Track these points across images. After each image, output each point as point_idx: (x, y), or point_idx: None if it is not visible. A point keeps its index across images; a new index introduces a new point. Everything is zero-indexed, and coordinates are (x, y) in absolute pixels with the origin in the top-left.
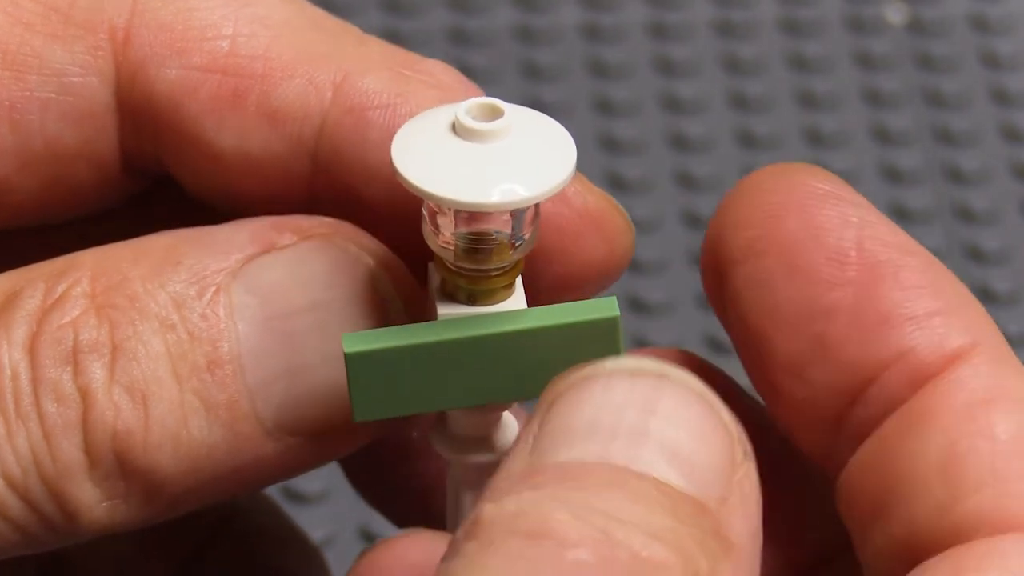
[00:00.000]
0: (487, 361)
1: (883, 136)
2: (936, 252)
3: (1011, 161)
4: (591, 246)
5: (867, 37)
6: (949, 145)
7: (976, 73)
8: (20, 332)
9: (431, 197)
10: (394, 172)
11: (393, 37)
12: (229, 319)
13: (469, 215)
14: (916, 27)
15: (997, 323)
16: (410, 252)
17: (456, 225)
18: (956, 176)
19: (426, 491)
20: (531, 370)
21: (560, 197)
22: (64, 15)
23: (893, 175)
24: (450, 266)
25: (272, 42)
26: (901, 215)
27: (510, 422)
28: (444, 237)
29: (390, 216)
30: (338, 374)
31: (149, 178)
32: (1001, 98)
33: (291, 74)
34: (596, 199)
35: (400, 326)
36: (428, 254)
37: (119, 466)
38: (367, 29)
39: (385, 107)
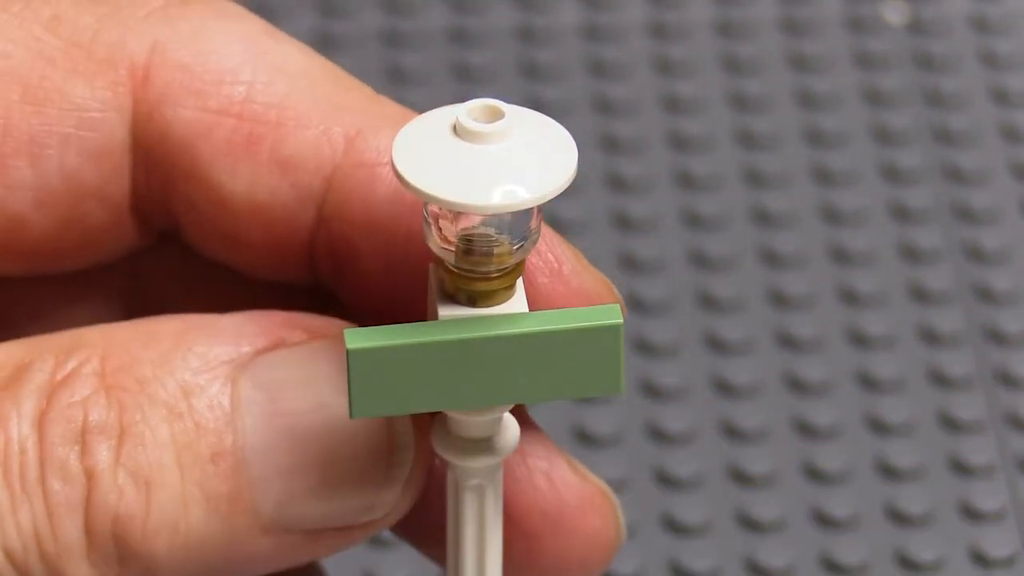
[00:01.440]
0: (487, 363)
1: (883, 136)
2: (936, 252)
3: (1011, 161)
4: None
5: (867, 37)
6: (949, 145)
7: (976, 73)
8: (29, 406)
9: (431, 199)
10: (394, 173)
11: (393, 37)
12: (236, 412)
13: (470, 217)
14: (916, 27)
15: (997, 323)
16: (402, 309)
17: (457, 227)
18: (956, 176)
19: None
20: (531, 373)
21: (555, 272)
22: (86, 50)
23: (893, 175)
24: (451, 268)
25: (289, 91)
26: (901, 215)
27: (510, 424)
28: (445, 239)
29: (385, 271)
30: (339, 475)
31: (154, 229)
32: (1001, 98)
33: (306, 124)
34: (595, 283)
35: (401, 325)
36: (422, 311)
37: (117, 549)
38: (367, 29)
39: None
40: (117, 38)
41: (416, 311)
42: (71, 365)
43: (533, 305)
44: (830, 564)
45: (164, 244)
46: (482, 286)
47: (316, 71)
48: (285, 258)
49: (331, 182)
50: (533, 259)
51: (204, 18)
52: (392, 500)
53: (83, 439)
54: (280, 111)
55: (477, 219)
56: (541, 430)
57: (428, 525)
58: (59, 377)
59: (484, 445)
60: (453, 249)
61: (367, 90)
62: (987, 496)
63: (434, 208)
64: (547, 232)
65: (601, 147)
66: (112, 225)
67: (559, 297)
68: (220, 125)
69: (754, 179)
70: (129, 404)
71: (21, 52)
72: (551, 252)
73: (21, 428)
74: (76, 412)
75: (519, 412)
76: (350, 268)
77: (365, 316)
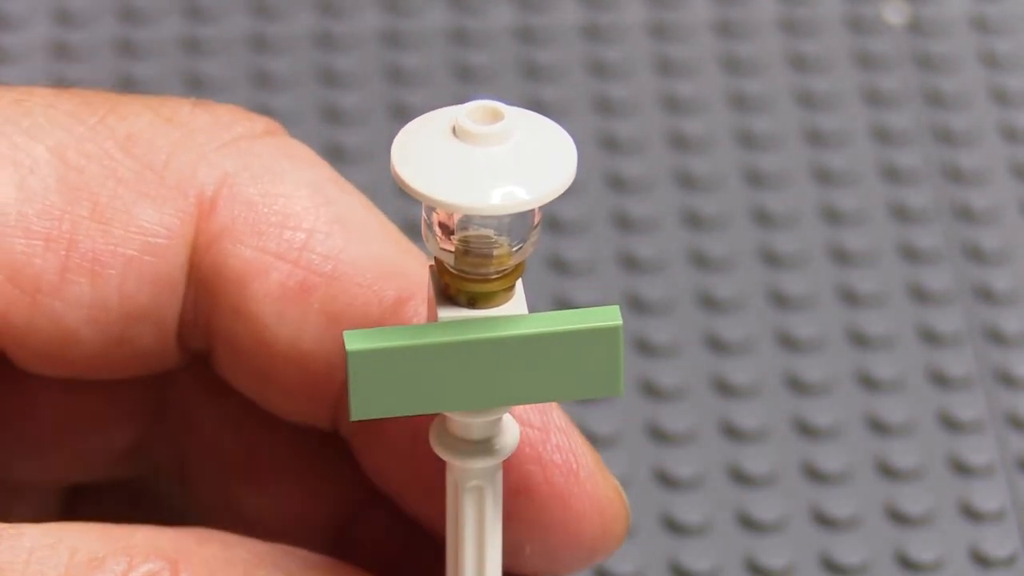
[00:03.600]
0: (486, 365)
1: (883, 136)
2: (936, 252)
3: (1011, 161)
4: (587, 523)
5: (867, 37)
6: (949, 145)
7: (976, 73)
8: None
9: (431, 200)
10: (393, 175)
11: (393, 37)
12: None
13: (469, 218)
14: (916, 27)
15: (997, 323)
16: (411, 481)
17: (456, 228)
18: (956, 176)
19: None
20: (531, 375)
21: (572, 474)
22: (158, 175)
23: (893, 175)
24: (450, 269)
25: (347, 245)
26: (901, 215)
27: (510, 426)
28: (444, 240)
29: (405, 439)
30: None
31: (190, 351)
32: (1001, 98)
33: (359, 281)
34: (607, 488)
35: (402, 326)
36: (432, 490)
37: None
38: (367, 29)
39: None
40: (189, 166)
41: (426, 490)
42: (144, 569)
43: (546, 502)
44: (830, 564)
45: (196, 360)
46: (481, 287)
47: (375, 228)
48: (313, 405)
49: None
50: (555, 457)
51: (275, 157)
52: None
53: None
54: (336, 264)
55: (476, 220)
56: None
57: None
58: None
59: (483, 446)
60: (452, 250)
61: (420, 255)
62: (987, 496)
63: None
64: (571, 431)
65: (601, 147)
66: (158, 346)
67: (572, 497)
68: (276, 268)
69: (754, 179)
70: None
71: (95, 168)
72: (572, 454)
73: None
74: None
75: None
76: (374, 427)
77: (374, 474)
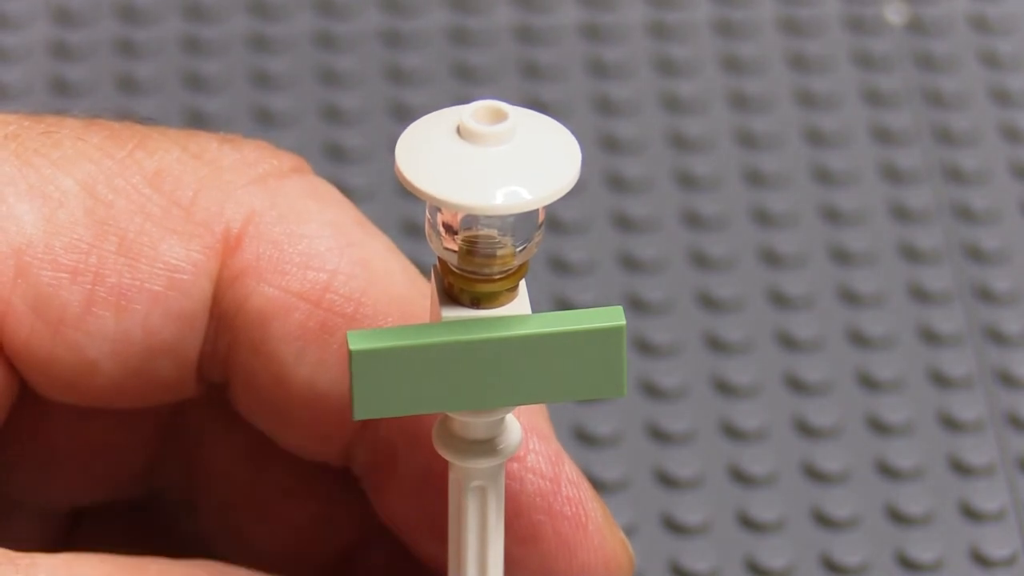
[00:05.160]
0: (490, 365)
1: (883, 136)
2: (936, 252)
3: (1011, 161)
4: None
5: (867, 37)
6: (949, 145)
7: (976, 73)
8: None
9: (435, 200)
10: (398, 174)
11: (393, 37)
12: None
13: (473, 218)
14: (916, 27)
15: (997, 323)
16: (421, 527)
17: (460, 228)
18: (956, 176)
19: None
20: (534, 375)
21: (580, 527)
22: (185, 211)
23: (893, 175)
24: (454, 269)
25: (368, 287)
26: (901, 215)
27: (513, 426)
28: (448, 240)
29: (418, 483)
30: None
31: (207, 382)
32: (1001, 98)
33: (379, 324)
34: (614, 542)
35: (405, 326)
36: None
37: None
38: (367, 29)
39: None
40: (216, 203)
41: (433, 529)
42: None
43: (553, 552)
44: (830, 564)
45: (212, 391)
46: (485, 287)
47: (397, 272)
48: (326, 444)
49: None
50: (564, 509)
51: (301, 196)
52: None
53: None
54: (357, 306)
55: (480, 220)
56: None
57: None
58: None
59: (486, 446)
60: (456, 250)
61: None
62: (987, 496)
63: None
64: (582, 483)
65: (601, 147)
66: (177, 379)
67: (579, 549)
68: (297, 308)
69: (754, 179)
70: None
71: (123, 203)
72: (581, 506)
73: None
74: None
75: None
76: (387, 468)
77: (384, 511)
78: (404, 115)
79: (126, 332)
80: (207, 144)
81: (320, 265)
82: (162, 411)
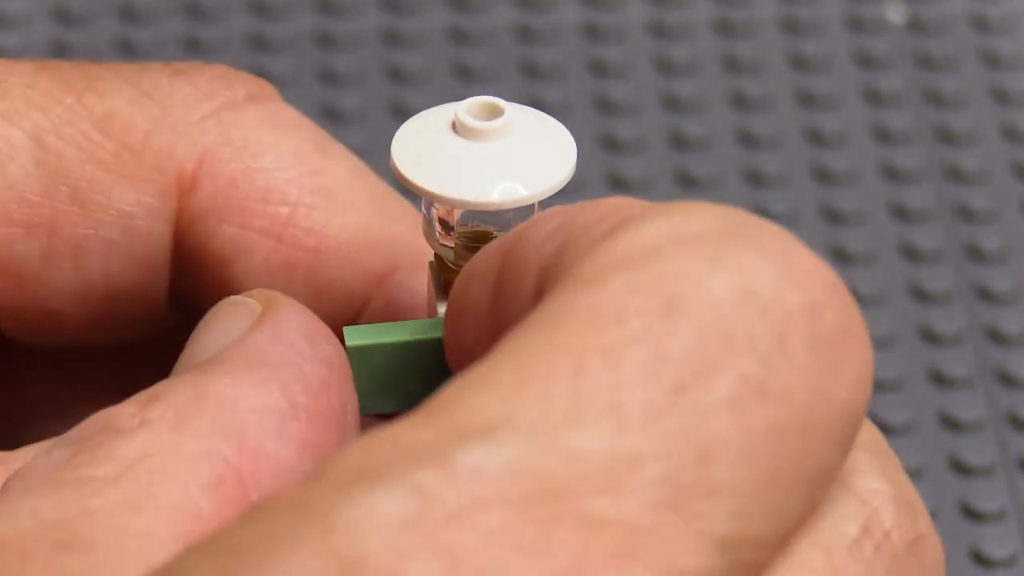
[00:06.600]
0: None
1: (883, 136)
2: (936, 252)
3: (1011, 161)
4: None
5: (867, 37)
6: (949, 145)
7: (976, 73)
8: None
9: (431, 196)
10: (393, 170)
11: (393, 37)
12: None
13: (469, 214)
14: (916, 27)
15: (996, 323)
16: None
17: (456, 224)
18: (956, 176)
19: None
20: None
21: None
22: (136, 154)
23: (893, 175)
24: (450, 265)
25: (331, 218)
26: (901, 215)
27: None
28: (444, 236)
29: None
30: None
31: (191, 312)
32: (1001, 98)
33: (343, 255)
34: None
35: (402, 322)
36: None
37: None
38: (367, 29)
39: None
40: (167, 144)
41: None
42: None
43: None
44: None
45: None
46: None
47: (362, 196)
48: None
49: (360, 315)
50: None
51: (258, 126)
52: None
53: None
54: (319, 239)
55: (477, 216)
56: None
57: None
58: None
59: None
60: (452, 246)
61: (410, 217)
62: (987, 496)
63: (433, 205)
64: None
65: (601, 147)
66: (148, 317)
67: None
68: (260, 245)
69: (754, 179)
70: None
71: (73, 152)
72: None
73: None
74: None
75: None
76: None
77: None
78: (404, 115)
79: (86, 281)
80: (158, 80)
81: (280, 199)
82: (144, 354)
